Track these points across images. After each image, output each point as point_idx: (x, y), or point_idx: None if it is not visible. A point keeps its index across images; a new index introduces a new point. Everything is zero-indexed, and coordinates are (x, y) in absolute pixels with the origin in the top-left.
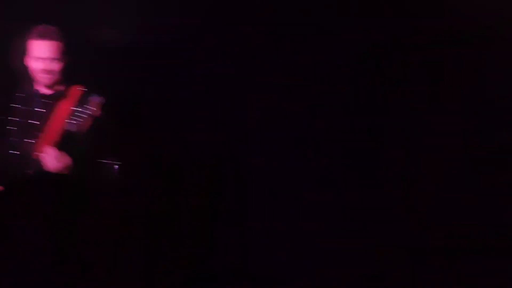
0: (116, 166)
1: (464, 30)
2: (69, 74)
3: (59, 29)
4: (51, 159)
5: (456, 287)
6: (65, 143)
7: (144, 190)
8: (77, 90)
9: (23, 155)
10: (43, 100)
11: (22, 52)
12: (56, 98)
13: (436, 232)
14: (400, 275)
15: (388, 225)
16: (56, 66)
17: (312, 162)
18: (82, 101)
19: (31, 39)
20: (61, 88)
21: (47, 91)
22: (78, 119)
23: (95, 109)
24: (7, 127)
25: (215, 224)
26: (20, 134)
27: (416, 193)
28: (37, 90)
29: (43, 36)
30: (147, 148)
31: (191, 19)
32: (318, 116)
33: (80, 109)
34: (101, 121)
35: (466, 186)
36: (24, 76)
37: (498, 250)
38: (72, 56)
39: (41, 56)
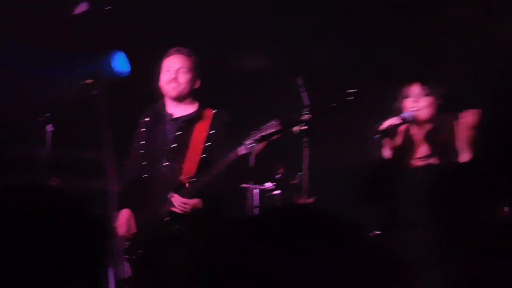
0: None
1: None
2: (200, 96)
3: (191, 50)
4: (179, 204)
5: None
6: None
7: None
8: (209, 113)
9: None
10: (175, 122)
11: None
12: (190, 120)
13: None
14: None
15: None
16: (183, 77)
17: None
18: (215, 124)
19: (164, 58)
20: (193, 109)
21: (180, 113)
22: (254, 143)
23: (271, 131)
24: (137, 152)
25: None
26: (153, 158)
27: None
28: (169, 114)
29: (172, 53)
30: None
31: None
32: None
33: (258, 133)
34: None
35: None
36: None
37: None
38: (204, 77)
39: (169, 68)
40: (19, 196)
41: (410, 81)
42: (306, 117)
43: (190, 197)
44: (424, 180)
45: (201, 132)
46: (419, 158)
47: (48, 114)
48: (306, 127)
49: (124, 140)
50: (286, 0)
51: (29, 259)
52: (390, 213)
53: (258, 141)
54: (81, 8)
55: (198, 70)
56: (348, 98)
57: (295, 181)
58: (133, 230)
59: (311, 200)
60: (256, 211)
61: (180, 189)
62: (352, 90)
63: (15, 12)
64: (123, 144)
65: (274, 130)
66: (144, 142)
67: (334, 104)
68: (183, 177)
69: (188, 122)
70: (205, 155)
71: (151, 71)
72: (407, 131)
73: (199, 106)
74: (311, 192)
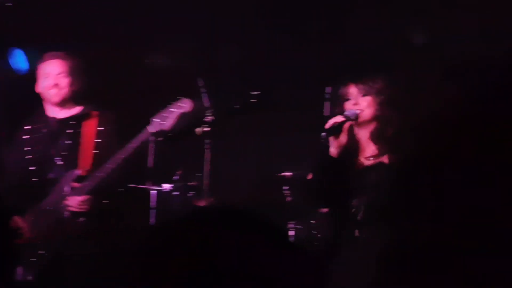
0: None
1: None
2: (84, 96)
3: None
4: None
5: None
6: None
7: None
8: (95, 113)
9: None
10: (62, 122)
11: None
12: (78, 118)
13: None
14: None
15: None
16: (63, 81)
17: None
18: (103, 122)
19: (40, 64)
20: (77, 111)
21: (64, 115)
22: (164, 119)
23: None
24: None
25: None
26: (43, 161)
27: None
28: (52, 117)
29: (48, 57)
30: None
31: None
32: None
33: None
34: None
35: None
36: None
37: None
38: (85, 78)
39: (47, 74)
40: None
41: (342, 82)
42: (209, 118)
43: (86, 195)
44: (375, 179)
45: (90, 129)
46: (367, 157)
47: None
48: (208, 128)
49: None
50: None
51: None
52: (339, 213)
53: (168, 117)
54: None
55: (77, 72)
56: (252, 100)
57: (193, 183)
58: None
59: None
60: (152, 212)
61: (78, 181)
62: (255, 92)
63: None
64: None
65: (185, 105)
66: (29, 148)
67: (237, 106)
68: (81, 171)
69: (77, 120)
70: (97, 151)
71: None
72: (352, 130)
73: (84, 108)
74: (211, 194)
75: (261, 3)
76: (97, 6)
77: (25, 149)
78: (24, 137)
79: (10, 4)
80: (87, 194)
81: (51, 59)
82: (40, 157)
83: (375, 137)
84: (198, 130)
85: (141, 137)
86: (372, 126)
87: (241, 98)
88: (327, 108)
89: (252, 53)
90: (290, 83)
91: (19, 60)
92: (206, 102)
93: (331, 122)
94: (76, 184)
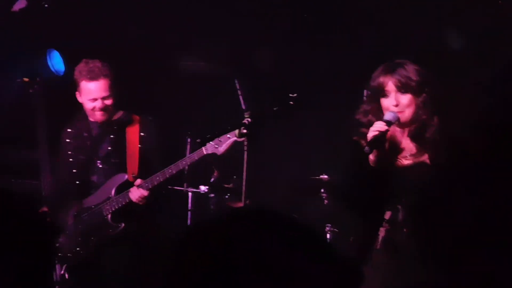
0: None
1: None
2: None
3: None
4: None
5: None
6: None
7: None
8: (136, 118)
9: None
10: (103, 127)
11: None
12: (121, 124)
13: None
14: None
15: None
16: (109, 102)
17: None
18: (144, 127)
19: (82, 80)
20: (117, 116)
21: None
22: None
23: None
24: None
25: None
26: (84, 164)
27: None
28: (94, 121)
29: (92, 77)
30: None
31: None
32: None
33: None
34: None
35: None
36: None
37: None
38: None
39: (94, 96)
40: None
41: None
42: (246, 120)
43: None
44: (414, 179)
45: (133, 135)
46: (406, 156)
47: None
48: (246, 131)
49: (60, 139)
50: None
51: None
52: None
53: (222, 142)
54: (19, 4)
55: (119, 86)
56: (290, 102)
57: (229, 185)
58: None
59: (246, 203)
60: (189, 214)
61: (126, 188)
62: (293, 95)
63: None
64: (59, 144)
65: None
66: (71, 152)
67: (274, 108)
68: (129, 176)
69: (120, 125)
70: (141, 156)
71: None
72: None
73: (125, 113)
74: (248, 196)
75: (297, 4)
76: (132, 10)
77: (68, 152)
78: (66, 140)
79: (47, 5)
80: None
81: (93, 80)
82: (82, 160)
83: (414, 136)
84: (236, 131)
85: (193, 157)
86: (412, 126)
87: (278, 100)
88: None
89: (290, 54)
90: (328, 85)
91: (57, 61)
92: (243, 104)
93: (372, 133)
94: (139, 181)
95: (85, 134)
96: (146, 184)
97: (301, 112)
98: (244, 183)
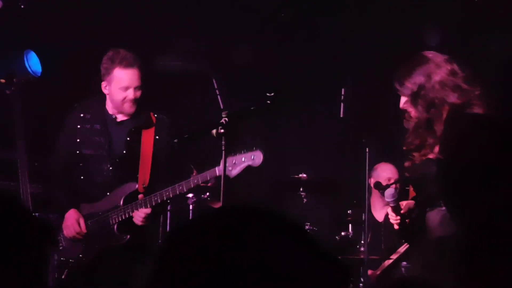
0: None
1: None
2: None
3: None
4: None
5: None
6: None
7: None
8: (152, 117)
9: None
10: (121, 127)
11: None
12: (138, 127)
13: None
14: None
15: None
16: (139, 94)
17: None
18: (159, 129)
19: (116, 66)
20: (136, 114)
21: (122, 116)
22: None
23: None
24: (69, 149)
25: None
26: (93, 161)
27: None
28: (112, 116)
29: (126, 63)
30: None
31: None
32: None
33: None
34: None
35: None
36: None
37: None
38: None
39: (128, 85)
40: None
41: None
42: (223, 120)
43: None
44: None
45: (148, 138)
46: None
47: None
48: (223, 130)
49: (37, 140)
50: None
51: None
52: None
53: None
54: None
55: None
56: (267, 102)
57: (209, 184)
58: (84, 230)
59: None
60: (169, 214)
61: (134, 198)
62: (270, 94)
63: None
64: (36, 145)
65: (256, 159)
66: (79, 140)
67: (252, 108)
68: (139, 186)
69: (137, 128)
70: (154, 162)
71: (64, 72)
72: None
73: (138, 109)
74: (227, 195)
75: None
76: (111, 8)
77: (77, 140)
78: (77, 126)
79: (23, 6)
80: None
81: (127, 68)
82: (92, 156)
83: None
84: (213, 131)
85: (206, 176)
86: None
87: (256, 99)
88: (342, 109)
89: (266, 53)
90: (306, 83)
91: (34, 62)
92: (221, 103)
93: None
94: (141, 196)
95: (97, 126)
96: (148, 201)
97: (279, 110)
98: (222, 182)
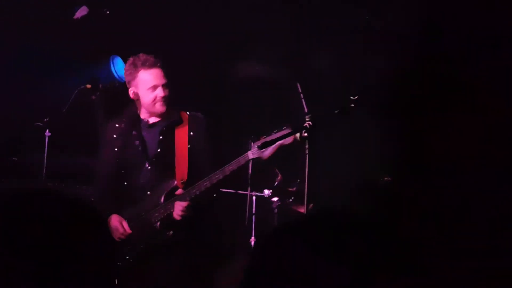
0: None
1: None
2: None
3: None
4: (181, 210)
5: None
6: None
7: None
8: (184, 115)
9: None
10: (153, 128)
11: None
12: (170, 125)
13: None
14: None
15: None
16: (167, 92)
17: None
18: (193, 125)
19: (140, 69)
20: (166, 114)
21: (154, 118)
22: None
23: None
24: (111, 159)
25: None
26: (132, 165)
27: None
28: (145, 120)
29: (150, 65)
30: None
31: None
32: None
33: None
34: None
35: None
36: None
37: None
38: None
39: (156, 83)
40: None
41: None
42: (307, 124)
43: (187, 202)
44: None
45: (182, 135)
46: None
47: (46, 119)
48: (307, 134)
49: None
50: (286, 3)
51: (33, 265)
52: None
53: (267, 145)
54: (81, 12)
55: (172, 80)
56: (351, 105)
57: (293, 189)
58: (128, 230)
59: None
60: (253, 218)
61: (174, 194)
62: (354, 97)
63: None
64: None
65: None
66: (117, 149)
67: (336, 111)
68: (177, 182)
69: (168, 127)
70: (190, 157)
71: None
72: None
73: (170, 110)
74: (311, 199)
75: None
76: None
77: (115, 149)
78: (113, 135)
79: (108, 12)
80: (189, 201)
81: (151, 67)
82: (130, 160)
83: None
84: (297, 135)
85: (240, 161)
86: None
87: (339, 102)
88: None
89: (350, 57)
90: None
91: (120, 67)
92: (305, 107)
93: None
94: (179, 191)
95: (134, 133)
96: (188, 194)
97: (363, 114)
98: (306, 186)
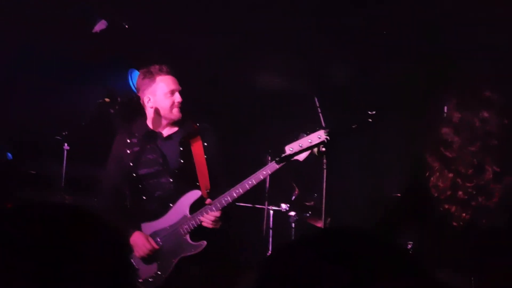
0: None
1: None
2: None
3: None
4: (212, 219)
5: None
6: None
7: None
8: (195, 126)
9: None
10: (169, 140)
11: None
12: (186, 137)
13: None
14: None
15: None
16: (181, 98)
17: None
18: (204, 136)
19: (156, 76)
20: (178, 126)
21: (168, 131)
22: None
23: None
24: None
25: None
26: (151, 179)
27: None
28: (159, 133)
29: (165, 72)
30: None
31: None
32: None
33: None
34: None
35: None
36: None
37: None
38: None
39: (172, 89)
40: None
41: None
42: (324, 139)
43: (220, 211)
44: None
45: (198, 146)
46: None
47: (65, 133)
48: (324, 149)
49: None
50: (305, 18)
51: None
52: None
53: (303, 150)
54: (100, 26)
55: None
56: (368, 120)
57: (310, 203)
58: (156, 246)
59: (327, 221)
60: (271, 232)
61: (201, 205)
62: (371, 112)
63: (37, 29)
64: None
65: (322, 138)
66: (132, 163)
67: (354, 126)
68: (203, 192)
69: (185, 138)
70: (210, 168)
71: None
72: None
73: (184, 123)
74: (328, 214)
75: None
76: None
77: (130, 164)
78: (127, 151)
79: (127, 26)
80: (219, 211)
81: (168, 74)
82: (150, 174)
83: None
84: (315, 150)
85: (273, 167)
86: None
87: (357, 117)
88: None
89: (369, 72)
90: (406, 101)
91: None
92: (323, 121)
93: None
94: (209, 201)
95: (149, 146)
96: (218, 203)
97: (381, 128)
98: (323, 201)
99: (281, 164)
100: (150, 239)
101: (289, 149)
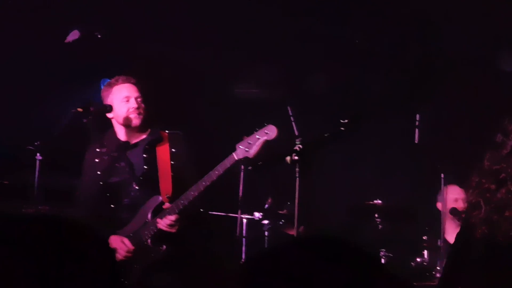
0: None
1: None
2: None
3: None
4: (167, 223)
5: None
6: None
7: None
8: (164, 134)
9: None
10: (136, 148)
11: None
12: (151, 143)
13: None
14: None
15: None
16: (141, 105)
17: None
18: (173, 143)
19: (112, 87)
20: (146, 134)
21: (135, 139)
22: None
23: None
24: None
25: None
26: (118, 187)
27: None
28: (125, 141)
29: (122, 80)
30: None
31: None
32: None
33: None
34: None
35: None
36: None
37: None
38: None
39: (127, 96)
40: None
41: None
42: (297, 147)
43: (176, 215)
44: None
45: (164, 152)
46: None
47: (37, 143)
48: (297, 157)
49: None
50: (282, 26)
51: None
52: None
53: (253, 144)
54: (73, 36)
55: (149, 96)
56: (341, 128)
57: (283, 211)
58: (131, 246)
59: (299, 229)
60: (244, 240)
61: (161, 210)
62: (344, 121)
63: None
64: None
65: (270, 133)
66: (100, 172)
67: (326, 135)
68: (163, 197)
69: (150, 144)
70: (173, 173)
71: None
72: None
73: (152, 131)
74: (302, 222)
75: (351, 30)
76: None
77: (97, 173)
78: (95, 160)
79: (100, 35)
80: (176, 215)
81: (124, 82)
82: (116, 182)
83: None
84: (287, 158)
85: (226, 164)
86: None
87: (330, 126)
88: (417, 135)
89: (341, 81)
90: (380, 111)
91: None
92: (296, 130)
93: None
94: (167, 205)
95: (115, 154)
96: (176, 206)
97: (353, 137)
98: (296, 209)
99: (232, 163)
100: (125, 240)
101: (239, 147)
